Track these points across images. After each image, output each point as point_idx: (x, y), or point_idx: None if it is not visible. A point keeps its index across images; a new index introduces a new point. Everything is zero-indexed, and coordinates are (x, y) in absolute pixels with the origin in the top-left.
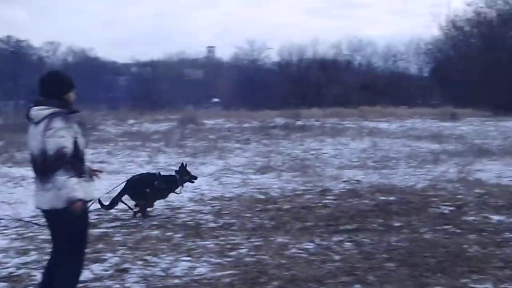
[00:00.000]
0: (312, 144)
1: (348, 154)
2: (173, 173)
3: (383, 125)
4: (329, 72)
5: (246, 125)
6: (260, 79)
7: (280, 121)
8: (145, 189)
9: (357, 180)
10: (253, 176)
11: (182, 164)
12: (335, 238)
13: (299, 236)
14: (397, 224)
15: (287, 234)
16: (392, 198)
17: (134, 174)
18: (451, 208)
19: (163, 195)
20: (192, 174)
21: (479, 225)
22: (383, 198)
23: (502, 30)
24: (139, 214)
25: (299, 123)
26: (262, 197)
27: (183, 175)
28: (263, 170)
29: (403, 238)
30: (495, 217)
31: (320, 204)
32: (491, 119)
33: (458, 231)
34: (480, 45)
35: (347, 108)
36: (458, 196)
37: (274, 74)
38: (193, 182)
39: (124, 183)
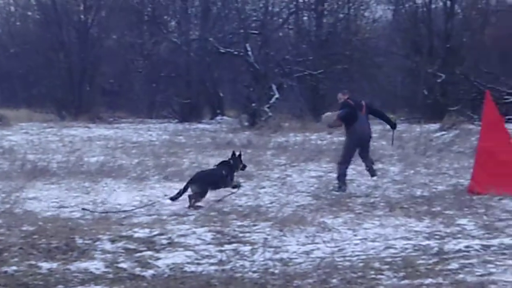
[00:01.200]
0: None
1: None
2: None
3: None
4: None
5: None
6: None
7: None
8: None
9: None
10: None
11: (234, 152)
12: None
13: None
14: None
15: None
16: None
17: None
18: None
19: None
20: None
21: (23, 278)
22: None
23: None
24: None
25: None
26: None
27: (238, 164)
28: None
29: None
30: (45, 265)
31: None
32: (54, 126)
33: None
34: (38, 19)
35: None
36: None
37: None
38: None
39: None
